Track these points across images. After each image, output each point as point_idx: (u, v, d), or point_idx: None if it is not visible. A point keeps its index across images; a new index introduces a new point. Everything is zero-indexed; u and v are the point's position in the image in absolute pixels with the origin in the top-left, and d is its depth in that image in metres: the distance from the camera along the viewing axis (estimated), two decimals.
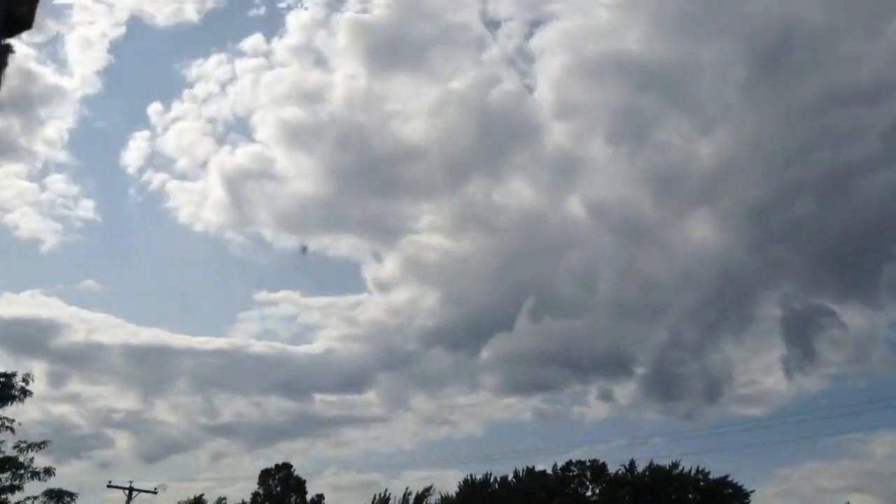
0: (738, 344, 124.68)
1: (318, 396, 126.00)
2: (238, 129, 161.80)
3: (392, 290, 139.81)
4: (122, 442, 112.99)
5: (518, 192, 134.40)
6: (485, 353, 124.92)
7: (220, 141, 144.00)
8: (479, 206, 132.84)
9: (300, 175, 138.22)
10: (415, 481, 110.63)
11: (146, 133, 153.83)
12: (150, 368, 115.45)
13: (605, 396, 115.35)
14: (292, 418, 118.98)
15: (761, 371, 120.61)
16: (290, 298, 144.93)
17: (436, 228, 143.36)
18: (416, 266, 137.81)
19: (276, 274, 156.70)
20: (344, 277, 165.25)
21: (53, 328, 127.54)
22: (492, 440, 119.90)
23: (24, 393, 24.95)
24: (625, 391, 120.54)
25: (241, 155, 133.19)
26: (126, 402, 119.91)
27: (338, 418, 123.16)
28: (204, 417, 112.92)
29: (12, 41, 6.02)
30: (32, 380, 25.21)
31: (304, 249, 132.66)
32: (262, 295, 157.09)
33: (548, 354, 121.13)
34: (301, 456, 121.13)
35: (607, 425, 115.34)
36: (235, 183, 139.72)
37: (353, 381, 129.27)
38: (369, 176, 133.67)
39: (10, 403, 24.72)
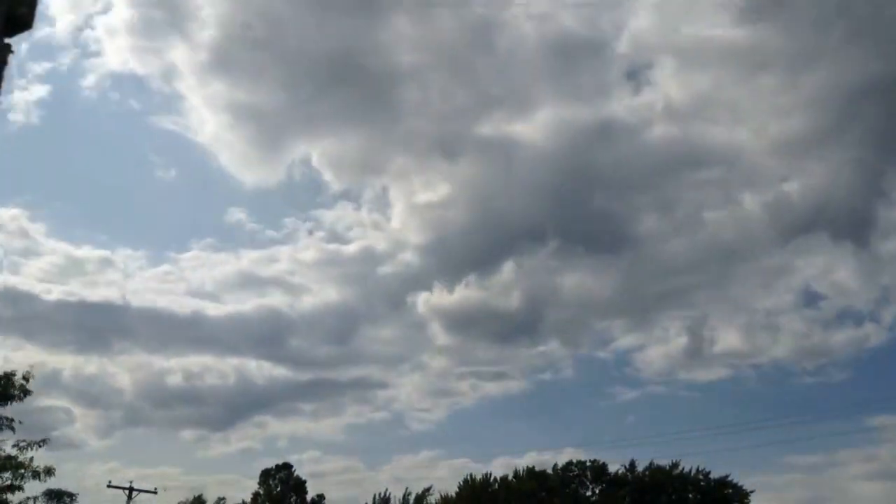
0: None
1: (299, 356, 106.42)
2: None
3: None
4: (72, 413, 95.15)
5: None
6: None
7: None
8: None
9: None
10: (420, 466, 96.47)
11: None
12: (95, 323, 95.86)
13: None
14: (270, 386, 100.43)
15: None
16: (238, 221, 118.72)
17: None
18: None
19: (222, 191, 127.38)
20: (310, 187, 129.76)
21: None
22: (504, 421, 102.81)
23: (24, 392, 24.92)
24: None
25: None
26: (70, 361, 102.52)
27: (325, 385, 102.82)
28: (165, 383, 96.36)
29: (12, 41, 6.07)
30: (33, 377, 25.17)
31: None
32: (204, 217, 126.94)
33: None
34: (281, 436, 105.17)
35: None
36: None
37: (340, 336, 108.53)
38: None
39: (10, 403, 24.69)
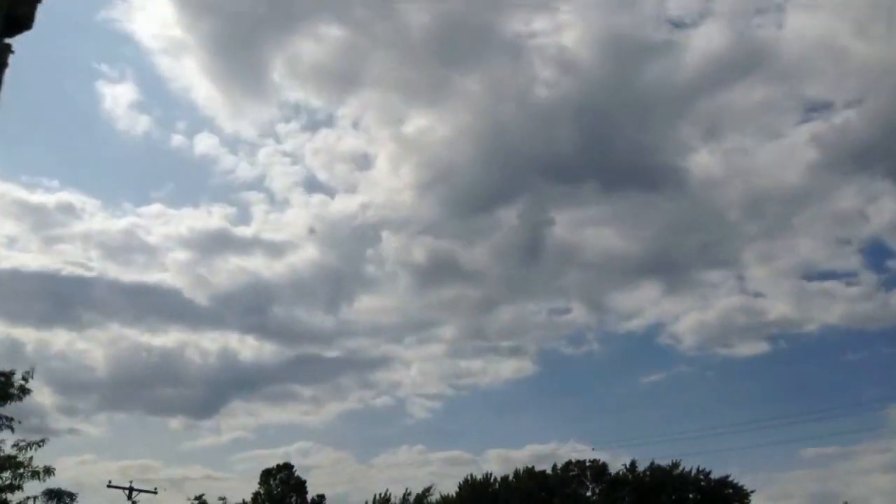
0: None
1: (288, 330, 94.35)
2: None
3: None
4: (41, 396, 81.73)
5: None
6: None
7: None
8: None
9: None
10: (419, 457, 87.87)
11: None
12: (59, 292, 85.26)
13: None
14: (255, 363, 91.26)
15: None
16: (207, 157, 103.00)
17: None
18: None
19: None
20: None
21: None
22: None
23: (24, 391, 24.89)
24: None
25: None
26: (32, 333, 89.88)
27: (316, 362, 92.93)
28: (142, 361, 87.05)
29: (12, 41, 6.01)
30: (32, 377, 25.13)
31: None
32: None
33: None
34: (266, 424, 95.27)
35: None
36: None
37: (331, 303, 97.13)
38: None
39: (9, 402, 24.65)
